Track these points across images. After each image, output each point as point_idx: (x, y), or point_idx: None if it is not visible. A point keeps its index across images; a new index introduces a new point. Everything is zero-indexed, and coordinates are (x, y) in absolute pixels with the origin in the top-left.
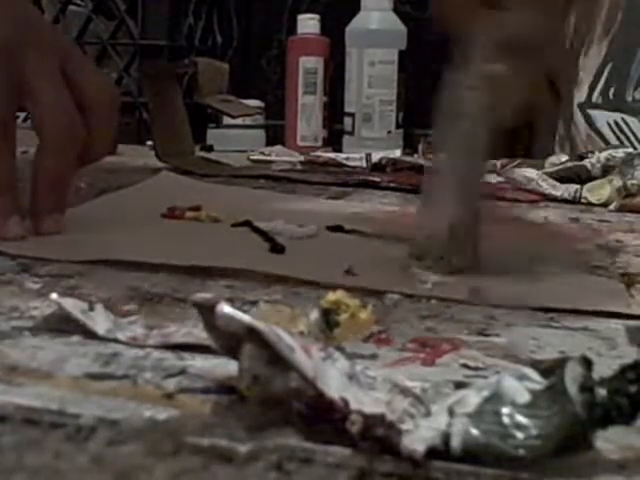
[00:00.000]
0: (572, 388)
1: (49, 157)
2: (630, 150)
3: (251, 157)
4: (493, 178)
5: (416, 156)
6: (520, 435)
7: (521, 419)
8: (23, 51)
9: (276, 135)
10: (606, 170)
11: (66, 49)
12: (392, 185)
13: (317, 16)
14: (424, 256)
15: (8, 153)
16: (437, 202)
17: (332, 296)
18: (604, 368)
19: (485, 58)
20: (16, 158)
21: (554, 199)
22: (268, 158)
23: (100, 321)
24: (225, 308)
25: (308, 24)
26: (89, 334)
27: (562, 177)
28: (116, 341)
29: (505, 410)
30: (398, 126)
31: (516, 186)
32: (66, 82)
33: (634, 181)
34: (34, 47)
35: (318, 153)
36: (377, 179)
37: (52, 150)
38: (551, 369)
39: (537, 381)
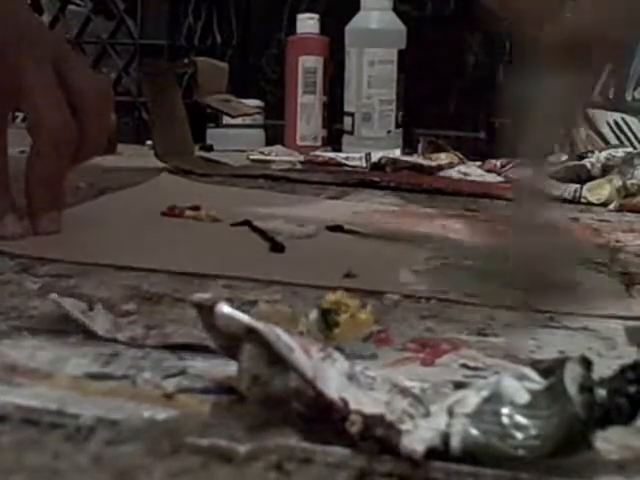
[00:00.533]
0: (572, 388)
1: (43, 157)
2: (630, 150)
3: (251, 157)
4: (493, 177)
5: (416, 156)
6: (519, 435)
7: (520, 419)
8: (16, 51)
9: (276, 135)
10: (606, 170)
11: (59, 48)
12: (392, 185)
13: (317, 15)
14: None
15: (0, 152)
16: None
17: (332, 296)
18: (604, 368)
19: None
20: (12, 157)
21: (554, 199)
22: (268, 158)
23: (99, 321)
24: (224, 308)
25: (308, 23)
26: (88, 334)
27: (562, 177)
28: (115, 341)
29: (504, 410)
30: (398, 126)
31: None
32: (59, 81)
33: (634, 181)
34: (27, 47)
35: (318, 153)
36: (377, 179)
37: (45, 150)
38: (551, 369)
39: (537, 381)
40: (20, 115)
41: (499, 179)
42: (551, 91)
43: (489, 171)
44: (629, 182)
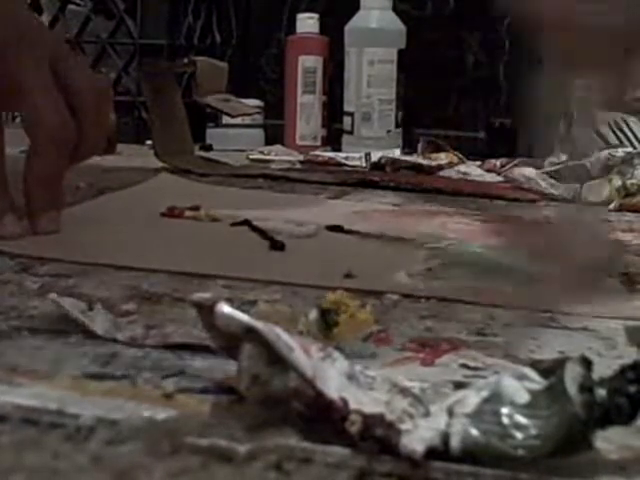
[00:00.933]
0: (572, 388)
1: (41, 157)
2: (630, 149)
3: (250, 156)
4: (492, 177)
5: (415, 155)
6: (519, 435)
7: (520, 419)
8: (15, 51)
9: (275, 134)
10: (606, 169)
11: (59, 48)
12: (391, 184)
13: (316, 15)
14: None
15: None
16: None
17: (331, 296)
18: (604, 368)
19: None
20: (12, 157)
21: (554, 198)
22: (267, 157)
23: (99, 321)
24: (224, 308)
25: (307, 23)
26: (88, 334)
27: (562, 176)
28: (115, 341)
29: (504, 410)
30: (397, 125)
31: (516, 185)
32: (57, 81)
33: (634, 180)
34: (26, 47)
35: (317, 152)
36: (376, 178)
37: (44, 150)
38: (551, 369)
39: (536, 381)
40: (19, 115)
41: (499, 179)
42: (564, 91)
43: (489, 171)
44: (629, 182)
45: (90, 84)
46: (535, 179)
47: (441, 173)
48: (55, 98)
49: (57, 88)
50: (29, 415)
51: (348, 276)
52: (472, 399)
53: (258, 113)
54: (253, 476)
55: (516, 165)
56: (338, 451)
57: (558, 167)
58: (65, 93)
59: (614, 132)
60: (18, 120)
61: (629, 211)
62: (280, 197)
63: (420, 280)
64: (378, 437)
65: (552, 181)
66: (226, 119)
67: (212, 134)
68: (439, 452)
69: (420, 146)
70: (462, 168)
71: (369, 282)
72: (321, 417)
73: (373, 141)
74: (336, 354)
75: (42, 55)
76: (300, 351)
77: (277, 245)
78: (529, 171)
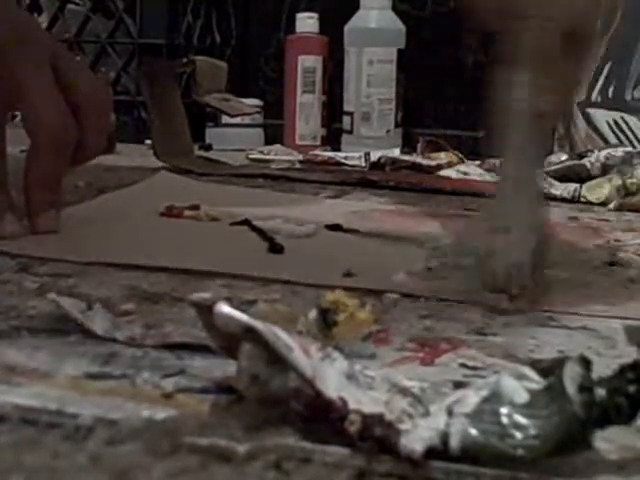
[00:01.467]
0: (571, 388)
1: (41, 157)
2: (629, 149)
3: (250, 156)
4: (492, 177)
5: (415, 155)
6: (519, 435)
7: (520, 419)
8: (15, 52)
9: (275, 134)
10: (605, 169)
11: (58, 50)
12: (391, 184)
13: (316, 15)
14: (505, 288)
15: None
16: (511, 227)
17: (331, 296)
18: (603, 368)
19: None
20: (12, 156)
21: (553, 198)
22: (267, 157)
23: (98, 321)
24: (223, 308)
25: (307, 23)
26: (87, 334)
27: (561, 176)
28: (114, 341)
29: (504, 410)
30: (397, 125)
31: None
32: (57, 81)
33: (633, 180)
34: (26, 48)
35: (317, 152)
36: (376, 178)
37: (44, 151)
38: (550, 369)
39: (536, 381)
40: (19, 114)
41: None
42: (526, 89)
43: (488, 170)
44: (629, 181)
45: (90, 85)
46: None
47: (441, 173)
48: (56, 98)
49: (58, 88)
50: (28, 415)
51: (348, 275)
52: (471, 399)
53: (258, 113)
54: (252, 476)
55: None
56: (337, 451)
57: (558, 167)
58: (65, 93)
59: (613, 131)
60: (18, 119)
61: (629, 210)
62: (279, 196)
63: (420, 280)
64: (377, 437)
65: (552, 181)
66: (226, 119)
67: (211, 134)
68: (438, 452)
69: (420, 146)
70: (462, 168)
71: (369, 281)
72: (320, 417)
73: (373, 141)
74: (335, 354)
75: (42, 56)
76: (299, 351)
77: (276, 248)
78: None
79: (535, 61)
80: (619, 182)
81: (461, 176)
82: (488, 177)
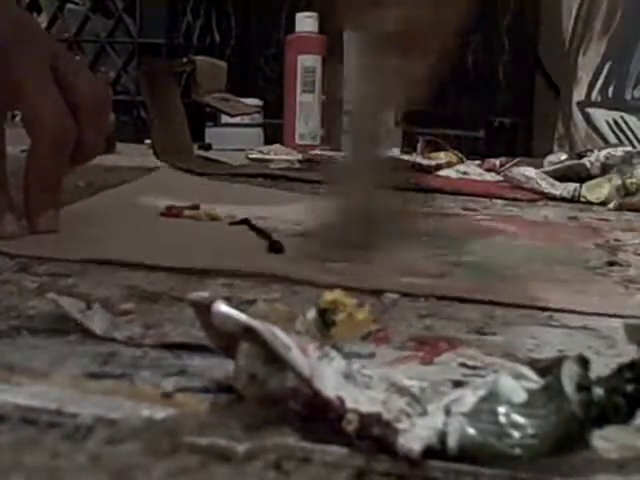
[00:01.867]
0: (569, 387)
1: (41, 157)
2: (629, 149)
3: (249, 156)
4: (492, 176)
5: (415, 155)
6: (517, 434)
7: (518, 418)
8: (14, 52)
9: (274, 134)
10: (605, 169)
11: (57, 50)
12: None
13: (315, 14)
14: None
15: None
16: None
17: (329, 295)
18: (603, 367)
19: (366, 53)
20: (12, 156)
21: (553, 198)
22: (266, 157)
23: (98, 320)
24: (221, 307)
25: (306, 22)
26: (87, 333)
27: (561, 176)
28: (114, 340)
29: (501, 409)
30: (397, 124)
31: (515, 185)
32: (58, 83)
33: (633, 180)
34: (26, 47)
35: (316, 151)
36: None
37: (44, 150)
38: (548, 368)
39: (534, 380)
40: (19, 114)
41: (498, 178)
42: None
43: (488, 170)
44: (628, 181)
45: (89, 85)
46: (535, 178)
47: (440, 172)
48: (55, 98)
49: (57, 88)
50: (28, 414)
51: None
52: (469, 398)
53: (257, 112)
54: (252, 475)
55: (515, 164)
56: (336, 450)
57: (558, 166)
58: (65, 93)
59: (613, 131)
60: (18, 119)
61: (628, 210)
62: (279, 196)
63: (420, 279)
64: (375, 436)
65: (551, 180)
66: (225, 118)
67: (211, 133)
68: (436, 451)
69: (419, 145)
70: (461, 167)
71: (368, 281)
72: (318, 416)
73: None
74: (333, 353)
75: (42, 55)
76: (297, 350)
77: (275, 247)
78: (528, 170)
79: (377, 49)
80: (619, 182)
81: (461, 176)
82: (488, 177)
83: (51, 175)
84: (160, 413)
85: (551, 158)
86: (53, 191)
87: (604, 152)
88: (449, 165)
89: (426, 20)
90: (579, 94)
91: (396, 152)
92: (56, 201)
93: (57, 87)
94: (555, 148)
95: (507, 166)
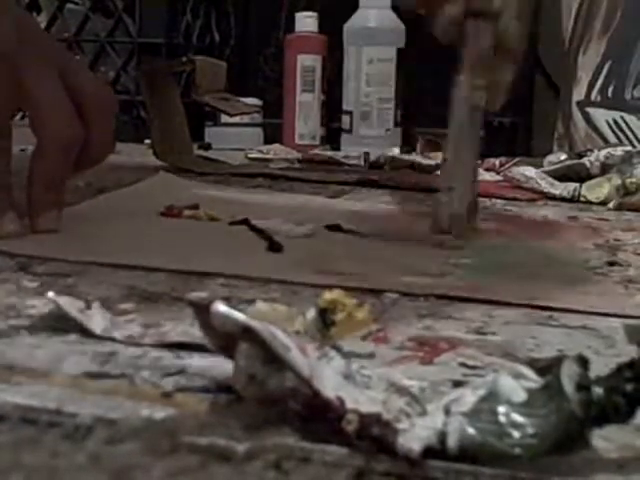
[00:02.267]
0: (568, 387)
1: (46, 157)
2: (629, 148)
3: (249, 155)
4: (491, 176)
5: (414, 154)
6: (516, 434)
7: (517, 418)
8: (21, 54)
9: (274, 133)
10: (605, 168)
11: (63, 54)
12: (390, 183)
13: (315, 14)
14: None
15: (3, 153)
16: (454, 187)
17: (328, 295)
18: (602, 366)
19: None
20: (13, 156)
21: (553, 197)
22: (266, 156)
23: (97, 320)
24: (220, 307)
25: (306, 22)
26: (86, 333)
27: (561, 175)
28: (113, 340)
29: (501, 409)
30: (396, 124)
31: (515, 184)
32: (64, 85)
33: (633, 179)
34: (32, 50)
35: (316, 151)
36: (375, 177)
37: (50, 151)
38: (547, 367)
39: (533, 380)
40: (19, 113)
41: (498, 178)
42: None
43: (488, 170)
44: (628, 181)
45: (94, 85)
46: (534, 178)
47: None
48: (62, 99)
49: (64, 91)
50: (27, 414)
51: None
52: (469, 398)
53: (257, 112)
54: (252, 475)
55: (515, 164)
56: (336, 450)
57: (557, 166)
58: (70, 94)
59: (613, 130)
60: (18, 119)
61: (628, 210)
62: (279, 196)
63: (419, 278)
64: (375, 436)
65: (551, 180)
66: (225, 118)
67: (211, 133)
68: (436, 451)
69: (419, 145)
70: None
71: (368, 281)
72: (318, 416)
73: (372, 140)
74: (332, 353)
75: (47, 56)
76: (297, 350)
77: (275, 247)
78: (528, 170)
79: (471, 62)
80: (619, 181)
81: None
82: (488, 177)
83: (56, 175)
84: (160, 413)
85: (551, 158)
86: (57, 191)
87: (604, 152)
88: None
89: (516, 36)
90: (579, 94)
91: (396, 152)
92: (59, 201)
93: (64, 90)
94: (555, 148)
95: (507, 166)
